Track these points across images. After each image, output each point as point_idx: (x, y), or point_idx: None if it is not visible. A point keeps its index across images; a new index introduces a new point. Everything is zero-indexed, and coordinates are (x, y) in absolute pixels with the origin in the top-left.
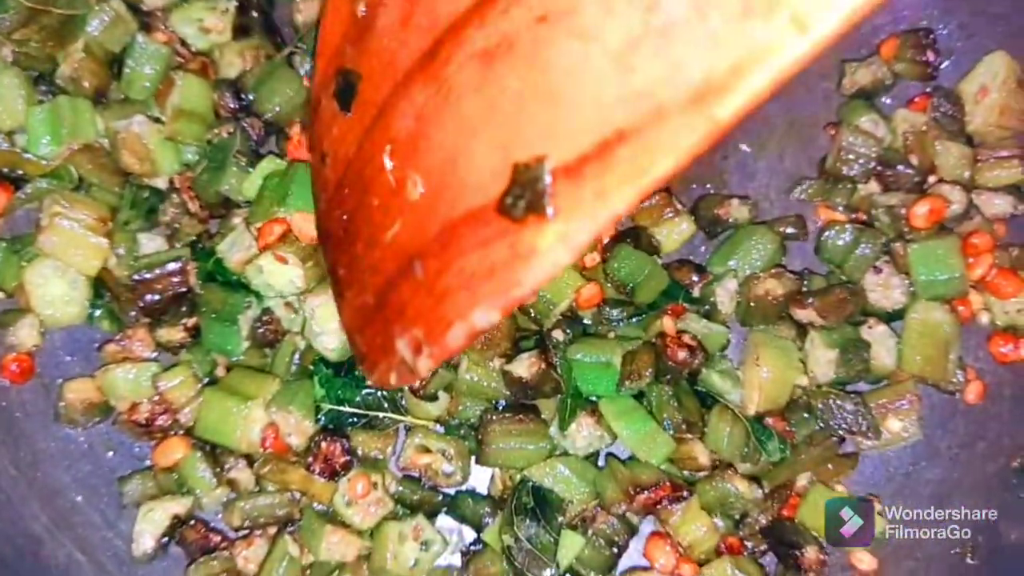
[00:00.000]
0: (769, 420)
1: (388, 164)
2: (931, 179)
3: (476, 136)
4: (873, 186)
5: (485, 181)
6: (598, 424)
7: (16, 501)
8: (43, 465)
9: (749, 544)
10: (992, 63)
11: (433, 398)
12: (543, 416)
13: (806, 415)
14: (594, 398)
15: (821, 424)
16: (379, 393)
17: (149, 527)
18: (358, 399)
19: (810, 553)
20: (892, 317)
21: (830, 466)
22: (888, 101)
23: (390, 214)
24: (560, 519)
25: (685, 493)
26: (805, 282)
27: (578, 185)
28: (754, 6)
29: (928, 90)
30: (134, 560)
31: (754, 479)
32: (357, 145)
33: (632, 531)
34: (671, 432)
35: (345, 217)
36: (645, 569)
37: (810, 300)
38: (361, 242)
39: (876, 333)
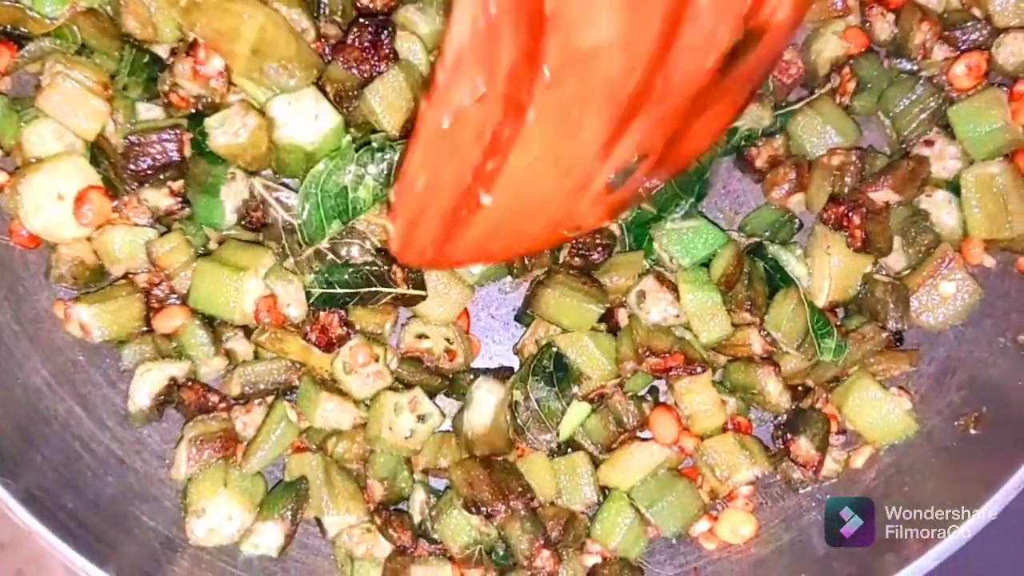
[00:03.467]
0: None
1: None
2: None
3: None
4: (942, 51)
5: None
6: (676, 302)
7: (18, 355)
8: (45, 323)
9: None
10: None
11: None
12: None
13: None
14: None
15: (867, 315)
16: (366, 269)
17: (145, 386)
18: (346, 277)
19: (803, 444)
20: (954, 188)
21: (884, 361)
22: None
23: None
24: (574, 390)
25: (698, 369)
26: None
27: None
28: None
29: None
30: (130, 418)
31: (791, 388)
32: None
33: (643, 421)
34: (731, 307)
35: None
36: (645, 440)
37: (883, 179)
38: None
39: (935, 199)
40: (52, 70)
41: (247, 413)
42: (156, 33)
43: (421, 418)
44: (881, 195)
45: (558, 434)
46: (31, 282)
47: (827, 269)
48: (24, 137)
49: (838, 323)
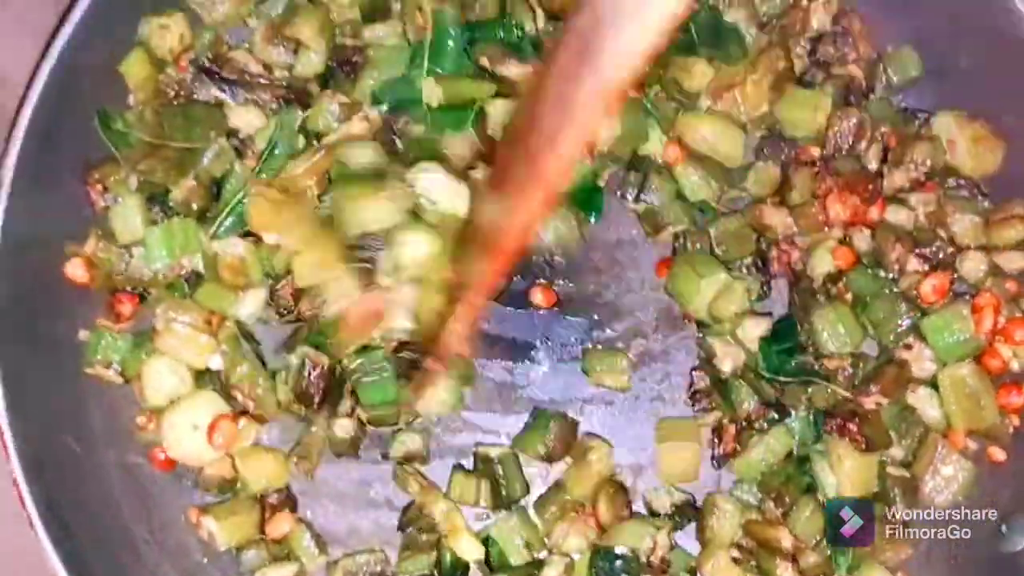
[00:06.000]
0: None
1: None
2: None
3: None
4: (916, 263)
5: None
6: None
7: (149, 562)
8: (172, 530)
9: None
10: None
11: None
12: None
13: None
14: None
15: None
16: None
17: None
18: None
19: None
20: (934, 385)
21: (888, 549)
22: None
23: None
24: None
25: None
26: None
27: None
28: None
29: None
30: None
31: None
32: None
33: None
34: (763, 493)
35: None
36: None
37: (871, 388)
38: None
39: (920, 395)
40: (165, 316)
41: None
42: (249, 282)
43: None
44: (872, 400)
45: None
46: (160, 496)
47: (842, 474)
48: (144, 372)
49: None
